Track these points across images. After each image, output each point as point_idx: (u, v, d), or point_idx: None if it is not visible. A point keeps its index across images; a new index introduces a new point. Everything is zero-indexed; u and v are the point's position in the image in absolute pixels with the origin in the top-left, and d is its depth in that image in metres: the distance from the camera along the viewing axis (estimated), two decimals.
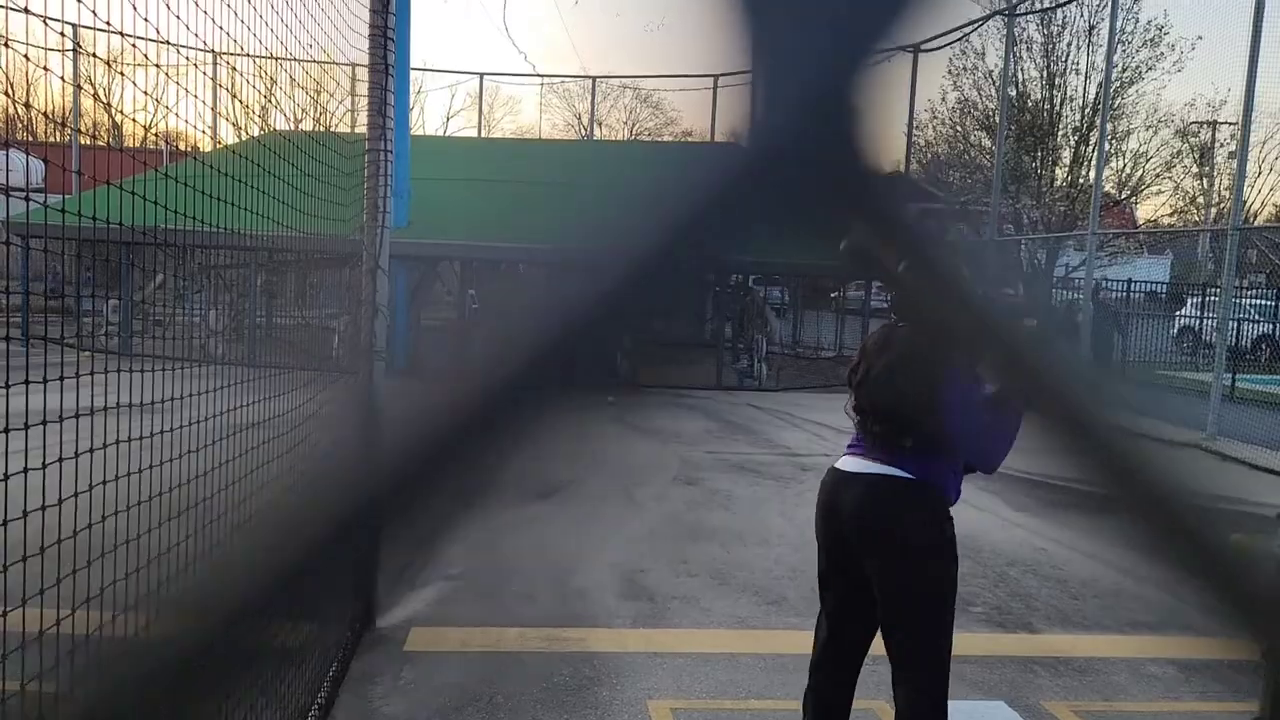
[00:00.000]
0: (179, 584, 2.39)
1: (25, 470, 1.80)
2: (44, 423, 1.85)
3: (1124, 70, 20.88)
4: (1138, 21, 20.90)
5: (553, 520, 6.62)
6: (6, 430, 1.69)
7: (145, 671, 0.51)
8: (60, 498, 1.91)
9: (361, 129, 4.48)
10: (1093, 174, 16.68)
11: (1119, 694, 4.14)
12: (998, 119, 20.20)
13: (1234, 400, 13.20)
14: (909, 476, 2.89)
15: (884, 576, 2.92)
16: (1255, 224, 19.52)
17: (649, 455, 9.20)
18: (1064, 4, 19.75)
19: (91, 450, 1.98)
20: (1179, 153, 22.84)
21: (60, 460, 1.90)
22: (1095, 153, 17.83)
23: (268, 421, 3.10)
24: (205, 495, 2.56)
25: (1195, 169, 23.19)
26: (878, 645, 3.03)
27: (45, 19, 1.68)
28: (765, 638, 4.59)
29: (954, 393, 2.87)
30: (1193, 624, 5.11)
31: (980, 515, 7.22)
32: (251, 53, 3.24)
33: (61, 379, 1.95)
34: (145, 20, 1.98)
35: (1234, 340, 13.28)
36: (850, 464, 3.02)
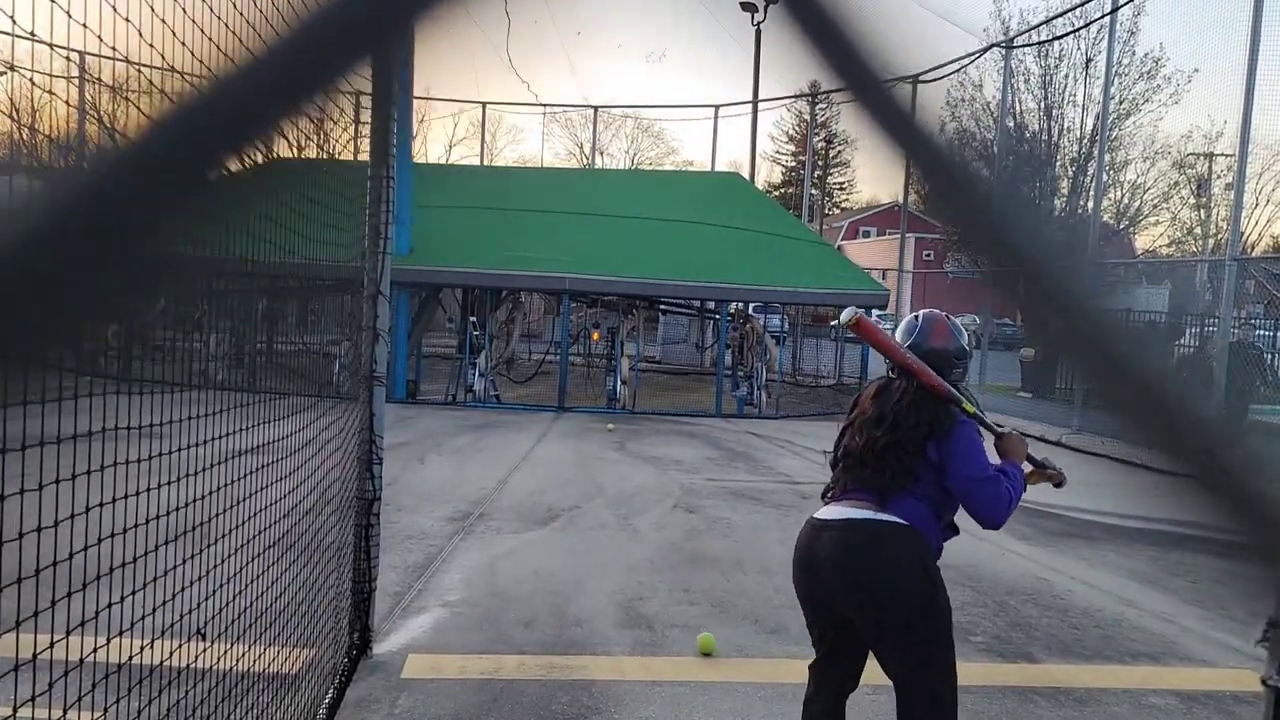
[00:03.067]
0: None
1: (21, 492, 1.80)
2: (41, 444, 1.85)
3: (1121, 102, 21.08)
4: (1134, 54, 21.16)
5: (552, 547, 6.59)
6: (3, 452, 1.69)
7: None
8: (56, 520, 1.90)
9: (364, 156, 4.52)
10: (1091, 204, 16.76)
11: None
12: (996, 150, 20.34)
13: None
14: (887, 519, 2.87)
15: (866, 622, 2.89)
16: (1253, 255, 19.60)
17: (649, 482, 9.18)
18: (1061, 37, 19.95)
19: (89, 472, 1.98)
20: (1176, 184, 23.00)
21: (57, 482, 1.90)
22: (1093, 183, 17.93)
23: (267, 446, 3.10)
24: (203, 519, 2.56)
25: (1192, 200, 23.33)
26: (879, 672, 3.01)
27: (52, 45, 1.70)
28: (765, 666, 4.56)
29: (957, 445, 2.85)
30: (1194, 655, 5.07)
31: (980, 544, 7.19)
32: None
33: (60, 400, 1.95)
34: (151, 46, 2.00)
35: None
36: (827, 511, 3.02)
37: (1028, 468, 3.12)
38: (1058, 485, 3.18)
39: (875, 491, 2.90)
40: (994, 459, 2.98)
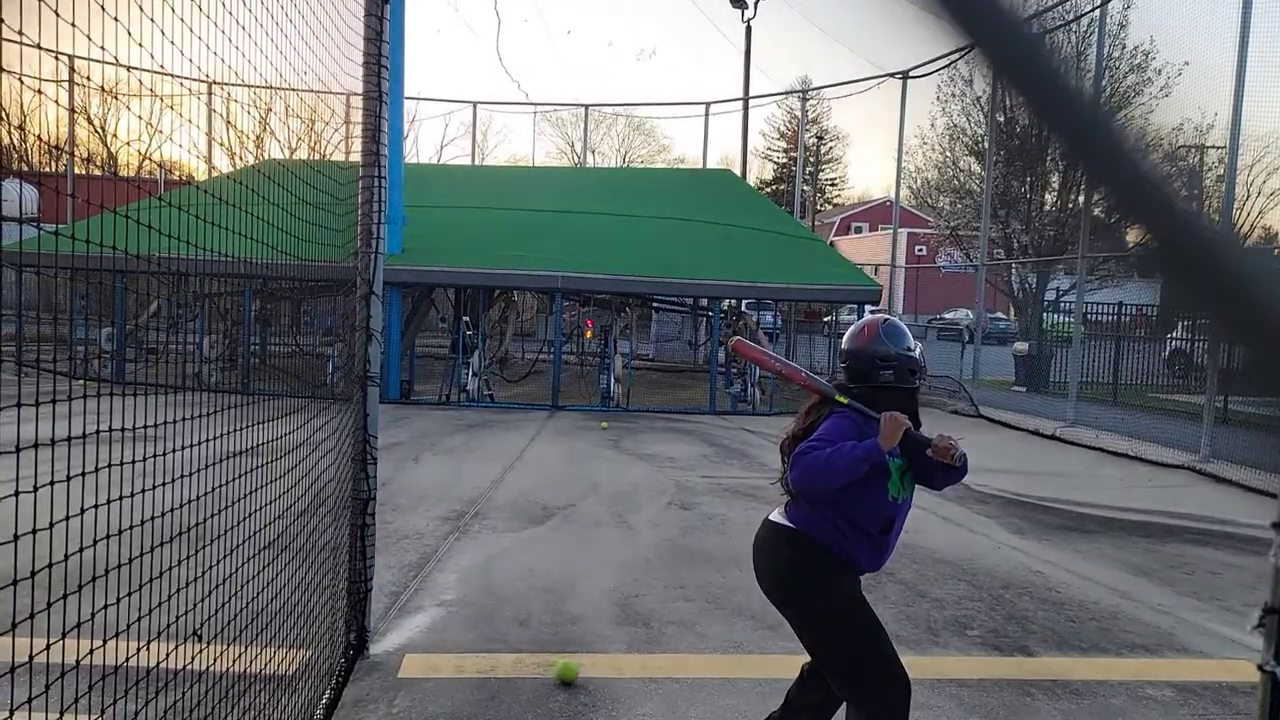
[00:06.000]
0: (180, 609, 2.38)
1: (16, 494, 1.79)
2: (35, 446, 1.84)
3: (1111, 95, 21.09)
4: (1124, 47, 21.16)
5: (547, 545, 6.59)
6: None
7: None
8: (51, 522, 1.90)
9: (356, 156, 4.51)
10: (1082, 198, 16.79)
11: (1116, 717, 4.12)
12: (986, 144, 20.37)
13: (1226, 423, 13.20)
14: (777, 522, 3.07)
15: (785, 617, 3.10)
16: (1245, 247, 19.63)
17: (643, 480, 9.18)
18: (1051, 30, 19.97)
19: (83, 474, 1.98)
20: (1167, 177, 23.02)
21: (51, 484, 1.89)
22: (1084, 177, 17.93)
23: (262, 446, 3.10)
24: (197, 520, 2.55)
25: (1184, 193, 23.35)
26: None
27: (40, 48, 1.69)
28: (761, 662, 4.57)
29: (820, 431, 2.98)
30: (1190, 646, 5.09)
31: (975, 538, 7.21)
32: (248, 82, 3.27)
33: (54, 402, 1.95)
34: (140, 46, 1.99)
35: (1226, 362, 13.34)
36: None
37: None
38: (953, 459, 3.08)
39: (788, 495, 3.09)
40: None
